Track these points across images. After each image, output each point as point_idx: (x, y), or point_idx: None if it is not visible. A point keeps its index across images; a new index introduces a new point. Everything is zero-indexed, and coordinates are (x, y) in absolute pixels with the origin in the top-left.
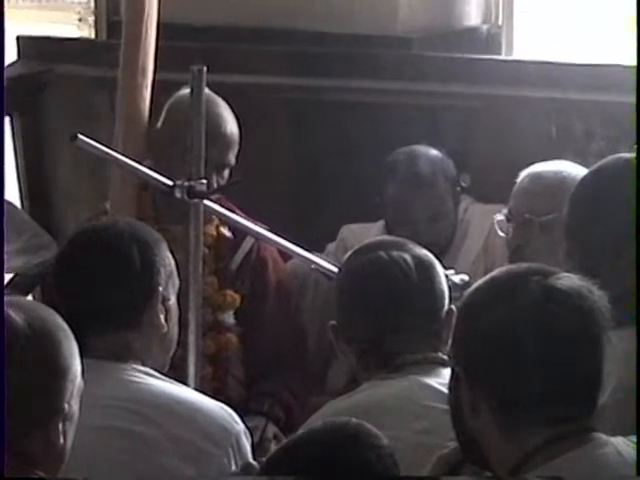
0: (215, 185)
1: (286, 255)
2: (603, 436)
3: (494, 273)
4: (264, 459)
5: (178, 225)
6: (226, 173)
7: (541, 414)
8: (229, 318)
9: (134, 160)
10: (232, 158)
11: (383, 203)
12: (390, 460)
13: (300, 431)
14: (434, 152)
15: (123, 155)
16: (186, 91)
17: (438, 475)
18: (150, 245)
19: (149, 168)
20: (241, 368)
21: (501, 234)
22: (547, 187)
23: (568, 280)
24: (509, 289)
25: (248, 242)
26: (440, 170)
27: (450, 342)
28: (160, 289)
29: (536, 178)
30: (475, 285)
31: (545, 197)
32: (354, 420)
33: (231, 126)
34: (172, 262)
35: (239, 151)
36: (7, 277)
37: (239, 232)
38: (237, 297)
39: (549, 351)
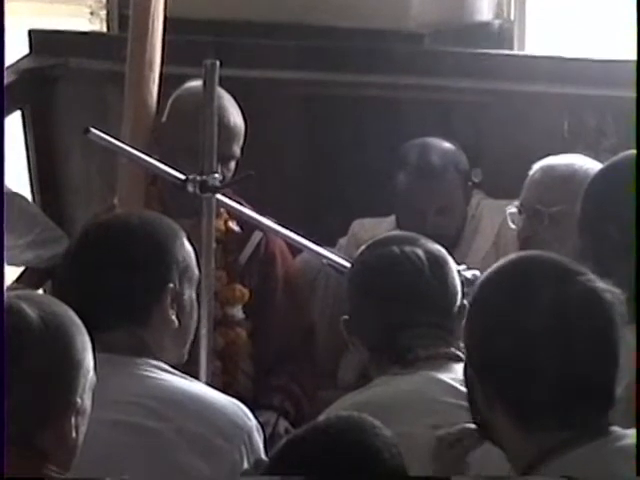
0: (221, 177)
1: (295, 249)
2: (620, 429)
3: (516, 270)
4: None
5: (187, 219)
6: (232, 165)
7: (561, 416)
8: (238, 313)
9: (144, 153)
10: (237, 150)
11: (393, 192)
12: (395, 450)
13: None
14: (447, 144)
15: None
16: (191, 84)
17: (449, 475)
18: (160, 240)
19: (159, 162)
20: (250, 363)
21: (512, 226)
22: (558, 179)
23: (591, 282)
24: (542, 292)
25: (256, 236)
26: (452, 162)
27: (464, 337)
28: (171, 285)
29: (548, 170)
30: (494, 281)
31: (555, 189)
32: (357, 413)
33: (235, 118)
34: (188, 256)
35: (251, 145)
36: (18, 271)
37: (247, 226)
38: (246, 291)
39: (572, 353)
